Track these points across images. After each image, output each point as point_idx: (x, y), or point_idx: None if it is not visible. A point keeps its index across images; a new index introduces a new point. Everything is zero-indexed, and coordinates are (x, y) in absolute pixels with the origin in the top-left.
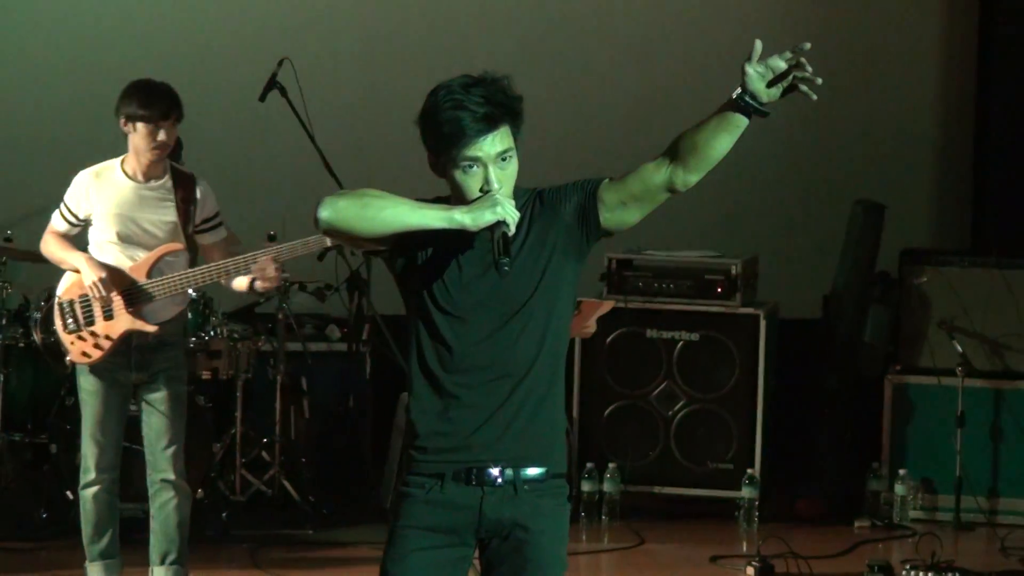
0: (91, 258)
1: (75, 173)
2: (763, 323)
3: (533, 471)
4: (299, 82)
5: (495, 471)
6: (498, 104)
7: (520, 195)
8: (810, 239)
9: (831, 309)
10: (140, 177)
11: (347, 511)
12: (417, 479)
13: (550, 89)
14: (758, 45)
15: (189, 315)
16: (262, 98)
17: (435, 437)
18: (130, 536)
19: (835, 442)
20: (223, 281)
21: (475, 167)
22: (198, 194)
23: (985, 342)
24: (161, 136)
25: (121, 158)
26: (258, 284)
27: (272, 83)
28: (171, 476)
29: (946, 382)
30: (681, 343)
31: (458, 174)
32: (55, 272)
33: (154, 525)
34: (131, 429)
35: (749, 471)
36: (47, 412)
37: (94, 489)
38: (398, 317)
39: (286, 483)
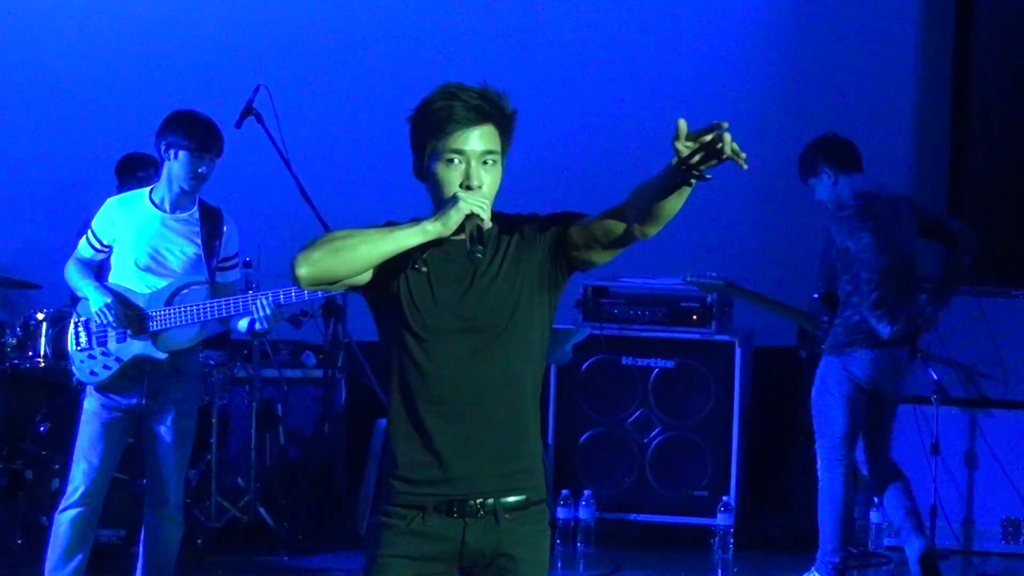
0: (99, 287)
1: (54, 196)
2: (738, 350)
3: (513, 499)
4: (275, 109)
5: (476, 502)
6: (491, 103)
7: (501, 220)
8: (786, 266)
9: (806, 336)
10: (167, 207)
11: (322, 537)
12: (398, 510)
13: (533, 111)
14: (681, 124)
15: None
16: (238, 124)
17: (414, 467)
18: (107, 563)
19: (811, 469)
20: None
21: (459, 160)
22: (224, 229)
23: (960, 369)
24: (202, 169)
25: (150, 188)
26: (258, 325)
27: (248, 110)
28: (172, 510)
29: (923, 409)
30: (657, 370)
31: (440, 167)
32: (34, 298)
33: (145, 554)
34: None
35: (724, 498)
36: (22, 438)
37: (75, 512)
38: (374, 343)
39: (261, 509)
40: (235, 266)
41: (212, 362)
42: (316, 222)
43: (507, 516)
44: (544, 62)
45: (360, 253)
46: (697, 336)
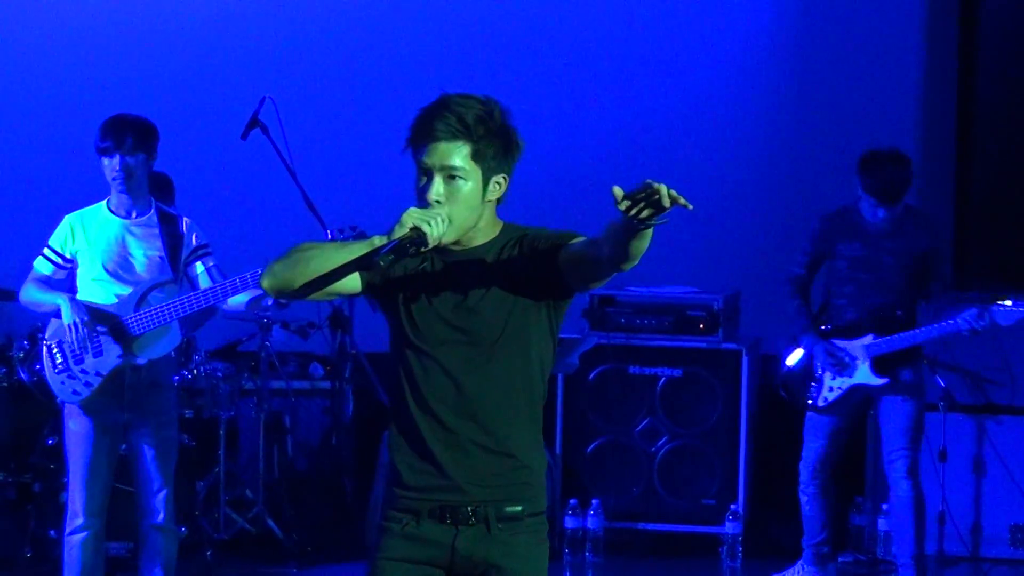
0: (72, 299)
1: (51, 211)
2: (745, 359)
3: (507, 509)
4: (280, 120)
5: (468, 509)
6: (463, 121)
7: (507, 233)
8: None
9: None
10: (123, 212)
11: (330, 548)
12: (395, 514)
13: (541, 119)
14: (616, 192)
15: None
16: (244, 136)
17: (412, 474)
18: (114, 574)
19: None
20: (223, 305)
21: (424, 174)
22: (183, 228)
23: (967, 376)
24: (117, 165)
25: (106, 199)
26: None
27: (254, 121)
28: (161, 521)
29: (929, 415)
30: (664, 379)
31: (418, 179)
32: (30, 312)
33: (142, 566)
34: (116, 468)
35: (732, 506)
36: (30, 451)
37: (82, 536)
38: (381, 355)
39: (269, 520)
40: (206, 254)
41: (220, 374)
42: (322, 232)
43: (499, 526)
44: (550, 69)
45: (313, 266)
46: (704, 345)
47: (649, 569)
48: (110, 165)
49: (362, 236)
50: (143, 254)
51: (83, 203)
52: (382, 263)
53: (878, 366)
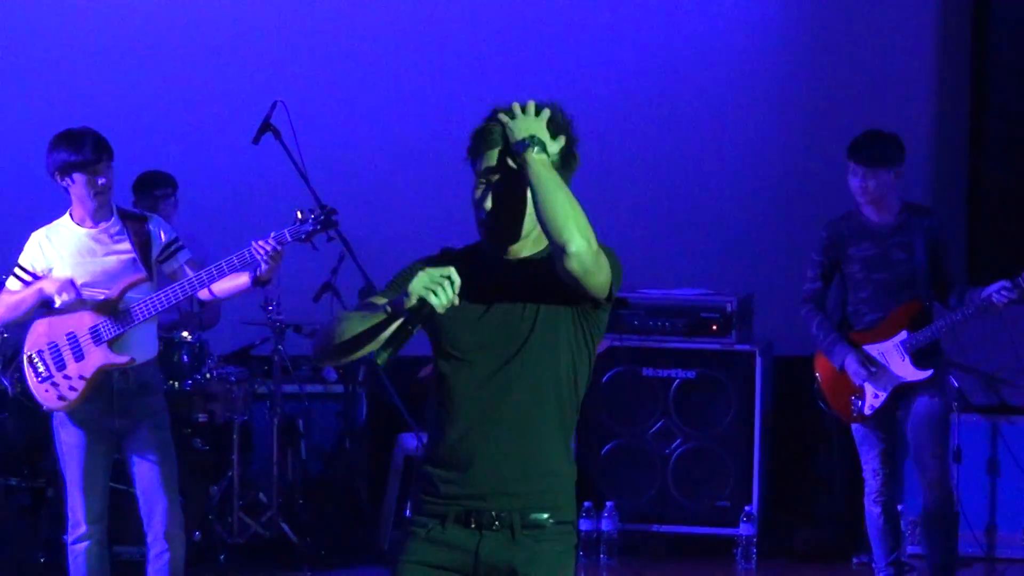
0: (49, 276)
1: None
2: (758, 360)
3: (532, 516)
4: (292, 124)
5: (494, 514)
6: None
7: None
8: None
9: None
10: (89, 222)
11: (344, 552)
12: (421, 519)
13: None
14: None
15: (186, 358)
16: (256, 140)
17: (440, 480)
18: None
19: (832, 478)
20: (208, 293)
21: (481, 183)
22: (150, 227)
23: (981, 377)
24: (100, 181)
25: (67, 213)
26: (262, 266)
27: (266, 125)
28: (166, 528)
29: None
30: (677, 381)
31: (474, 188)
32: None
33: (149, 573)
34: (119, 471)
35: (747, 508)
36: (43, 456)
37: (86, 544)
38: (394, 359)
39: (283, 525)
40: (179, 248)
41: (233, 378)
42: (335, 237)
43: (524, 532)
44: (559, 69)
45: (344, 336)
46: (717, 346)
47: (663, 571)
48: (92, 180)
49: (331, 216)
50: (113, 259)
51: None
52: (411, 328)
53: (918, 360)
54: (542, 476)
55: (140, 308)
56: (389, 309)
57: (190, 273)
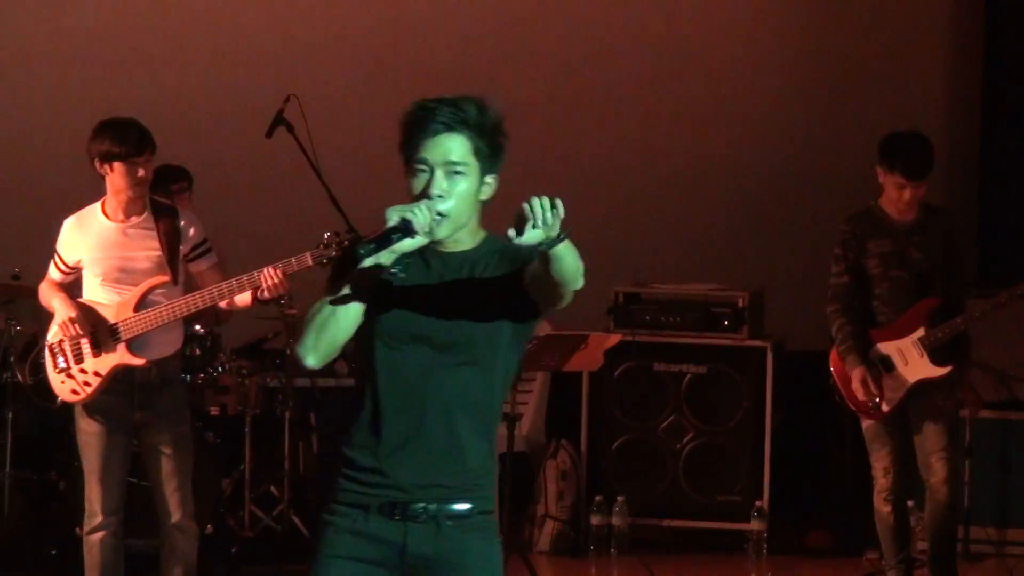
0: (65, 299)
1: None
2: (770, 355)
3: (458, 507)
4: (305, 118)
5: (418, 507)
6: (462, 117)
7: (490, 243)
8: (817, 272)
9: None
10: (121, 216)
11: None
12: (342, 508)
13: (557, 119)
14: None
15: (198, 351)
16: (269, 134)
17: (361, 469)
18: (141, 573)
19: (844, 474)
20: (224, 305)
21: (424, 170)
22: (181, 224)
23: (992, 373)
24: (140, 172)
25: (101, 201)
26: (264, 292)
27: (279, 119)
28: (180, 519)
29: None
30: (689, 376)
31: (409, 176)
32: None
33: (164, 564)
34: (135, 464)
35: (758, 503)
36: (55, 449)
37: (101, 534)
38: None
39: (295, 518)
40: (208, 250)
41: (245, 372)
42: (346, 228)
43: (449, 523)
44: (570, 65)
45: (340, 317)
46: (729, 342)
47: (674, 566)
48: (132, 170)
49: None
50: (142, 256)
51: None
52: (362, 251)
53: (935, 357)
54: (466, 468)
55: (162, 312)
56: (362, 250)
57: (213, 279)
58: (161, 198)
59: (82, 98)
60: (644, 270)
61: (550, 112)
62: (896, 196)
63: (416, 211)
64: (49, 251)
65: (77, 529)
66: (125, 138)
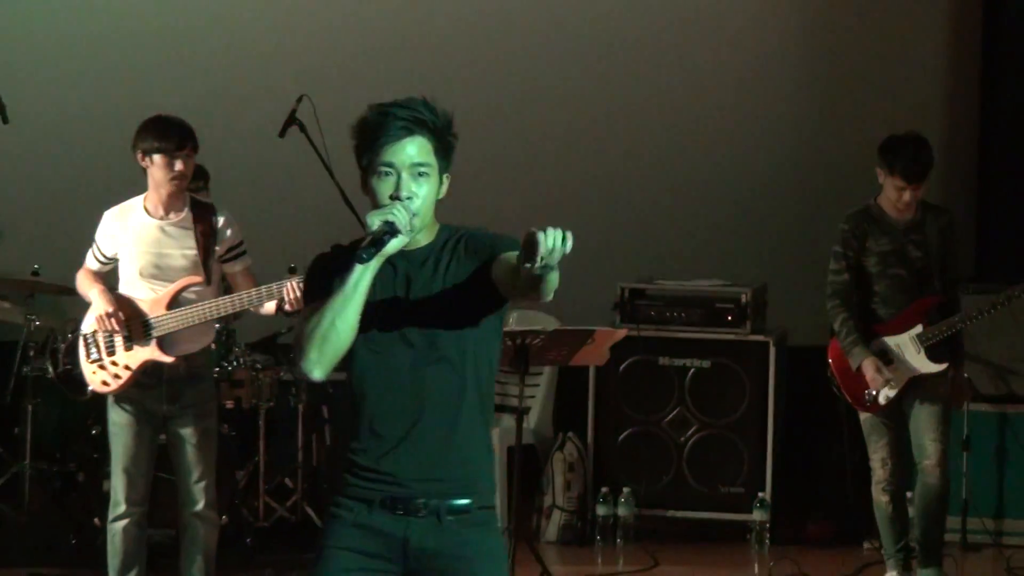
0: (104, 291)
1: (101, 209)
2: (772, 350)
3: (458, 502)
4: (317, 118)
5: (420, 501)
6: (418, 118)
7: (445, 232)
8: (818, 268)
9: None
10: (161, 212)
11: None
12: (347, 502)
13: (563, 119)
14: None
15: (214, 346)
16: (282, 134)
17: (363, 469)
18: (158, 561)
19: (844, 466)
20: (252, 308)
21: (390, 173)
22: (219, 224)
23: (990, 367)
24: (179, 166)
25: (143, 196)
26: (287, 305)
27: (291, 119)
28: (201, 509)
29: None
30: (693, 370)
31: (374, 180)
32: (82, 305)
33: (184, 553)
34: (158, 457)
35: (760, 495)
36: (74, 441)
37: (124, 523)
38: None
39: (308, 509)
40: (243, 253)
41: (259, 366)
42: (358, 226)
43: (450, 518)
44: (577, 65)
45: (340, 326)
46: (732, 336)
47: (678, 555)
48: (166, 165)
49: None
50: (178, 254)
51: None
52: (365, 256)
53: (932, 354)
54: (463, 463)
55: (193, 312)
56: (363, 255)
57: (244, 281)
58: (203, 198)
59: (99, 100)
60: (649, 267)
61: (559, 116)
62: (895, 197)
63: (396, 212)
64: (68, 248)
65: (96, 519)
66: (167, 133)
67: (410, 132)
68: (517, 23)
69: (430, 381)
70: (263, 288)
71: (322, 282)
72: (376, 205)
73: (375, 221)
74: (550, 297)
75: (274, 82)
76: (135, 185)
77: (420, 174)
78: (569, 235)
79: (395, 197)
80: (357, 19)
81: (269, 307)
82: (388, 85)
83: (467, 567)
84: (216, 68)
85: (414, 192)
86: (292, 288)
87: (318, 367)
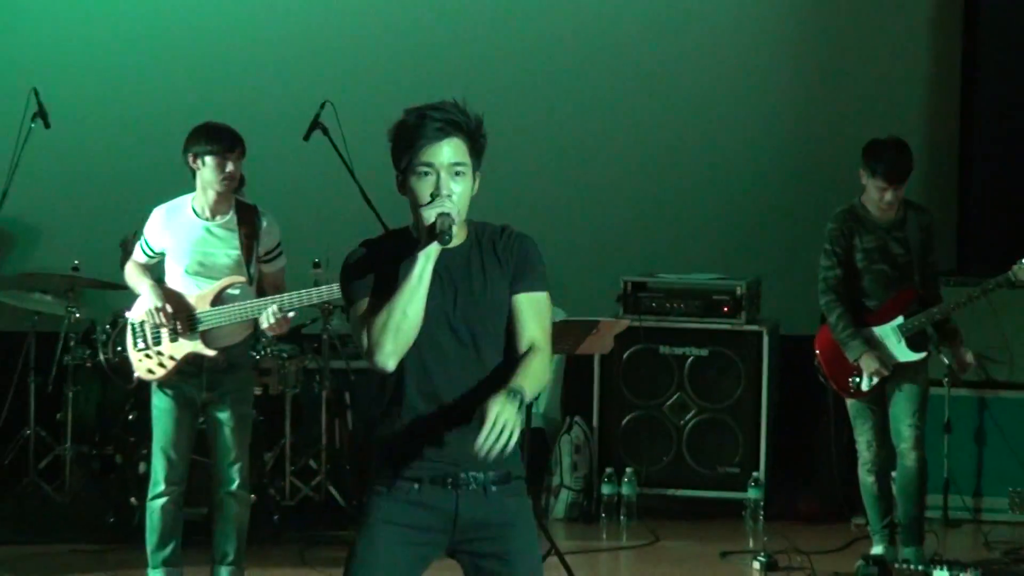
0: (155, 286)
1: (138, 207)
2: (766, 339)
3: (499, 473)
4: (340, 122)
5: (468, 474)
6: (454, 121)
7: (477, 230)
8: (808, 262)
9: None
10: (208, 214)
11: None
12: (397, 482)
13: (561, 116)
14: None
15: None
16: (306, 137)
17: (410, 452)
18: (191, 538)
19: (833, 447)
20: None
21: (429, 173)
22: (262, 227)
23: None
24: (229, 168)
25: (191, 196)
26: (264, 327)
27: (315, 124)
28: (235, 488)
29: (934, 391)
30: (691, 358)
31: (413, 180)
32: (118, 298)
33: (217, 529)
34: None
35: (754, 474)
36: (113, 425)
37: (162, 501)
38: None
39: (331, 488)
40: (278, 255)
41: (285, 355)
42: (379, 226)
43: (494, 489)
44: (571, 67)
45: (411, 316)
46: (728, 326)
47: (677, 531)
48: (217, 166)
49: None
50: (223, 254)
51: (168, 198)
52: (448, 238)
53: (911, 343)
54: None
55: (236, 310)
56: (428, 245)
57: (279, 281)
58: (244, 199)
59: (135, 106)
60: (650, 262)
61: (563, 119)
62: (878, 197)
63: (448, 204)
64: (105, 246)
65: (132, 498)
66: (218, 136)
67: (447, 134)
68: (521, 26)
69: (472, 368)
70: (303, 292)
71: (365, 277)
72: (416, 203)
73: (431, 214)
74: None
75: (299, 88)
76: (170, 186)
77: (457, 173)
78: (512, 441)
79: (436, 195)
80: (379, 26)
81: (264, 319)
82: (407, 91)
83: (510, 532)
84: (245, 75)
85: (453, 190)
86: (269, 315)
87: (392, 358)
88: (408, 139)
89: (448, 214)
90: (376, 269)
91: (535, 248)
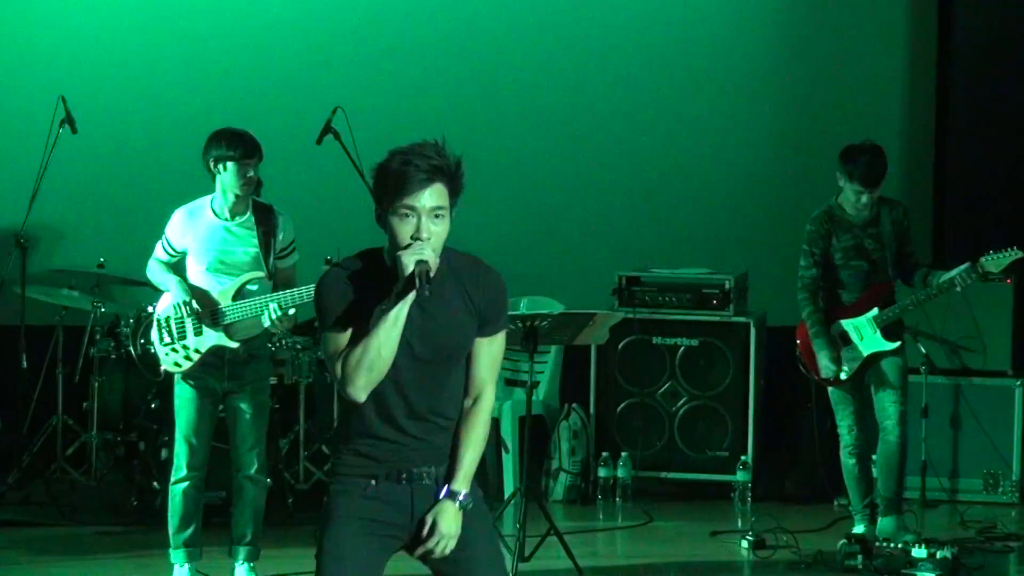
0: (181, 282)
1: (160, 208)
2: (753, 330)
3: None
4: (350, 127)
5: (420, 470)
6: (438, 167)
7: (447, 260)
8: (793, 258)
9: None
10: (227, 214)
11: None
12: (354, 479)
13: (557, 117)
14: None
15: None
16: (319, 142)
17: (369, 451)
18: (209, 520)
19: (816, 432)
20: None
21: (410, 215)
22: (278, 225)
23: (945, 344)
24: (249, 173)
25: (210, 197)
26: (267, 325)
27: (327, 128)
28: (253, 473)
29: (912, 379)
30: (683, 348)
31: (395, 220)
32: (141, 294)
33: (235, 512)
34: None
35: (743, 458)
36: (136, 414)
37: (184, 485)
38: None
39: None
40: (292, 252)
41: (299, 346)
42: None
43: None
44: (569, 62)
45: (384, 355)
46: (717, 318)
47: (670, 512)
48: (238, 172)
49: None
50: (242, 251)
51: (188, 199)
52: (428, 294)
53: (886, 333)
54: (449, 442)
55: (257, 305)
56: (409, 289)
57: (291, 276)
58: (260, 200)
59: (157, 111)
60: (643, 257)
61: (564, 122)
62: (854, 199)
63: (425, 252)
64: (128, 244)
65: (155, 483)
66: (239, 143)
67: (431, 181)
68: (521, 27)
69: (428, 382)
70: (303, 289)
71: (339, 306)
72: (395, 242)
73: (410, 261)
74: None
75: (311, 94)
76: (189, 188)
77: (437, 216)
78: (451, 546)
79: (416, 238)
80: (389, 32)
81: (265, 318)
82: (417, 97)
83: (465, 520)
84: (261, 82)
85: (432, 231)
86: (270, 313)
87: (364, 391)
88: (392, 183)
89: (426, 261)
90: (350, 297)
91: (502, 288)
